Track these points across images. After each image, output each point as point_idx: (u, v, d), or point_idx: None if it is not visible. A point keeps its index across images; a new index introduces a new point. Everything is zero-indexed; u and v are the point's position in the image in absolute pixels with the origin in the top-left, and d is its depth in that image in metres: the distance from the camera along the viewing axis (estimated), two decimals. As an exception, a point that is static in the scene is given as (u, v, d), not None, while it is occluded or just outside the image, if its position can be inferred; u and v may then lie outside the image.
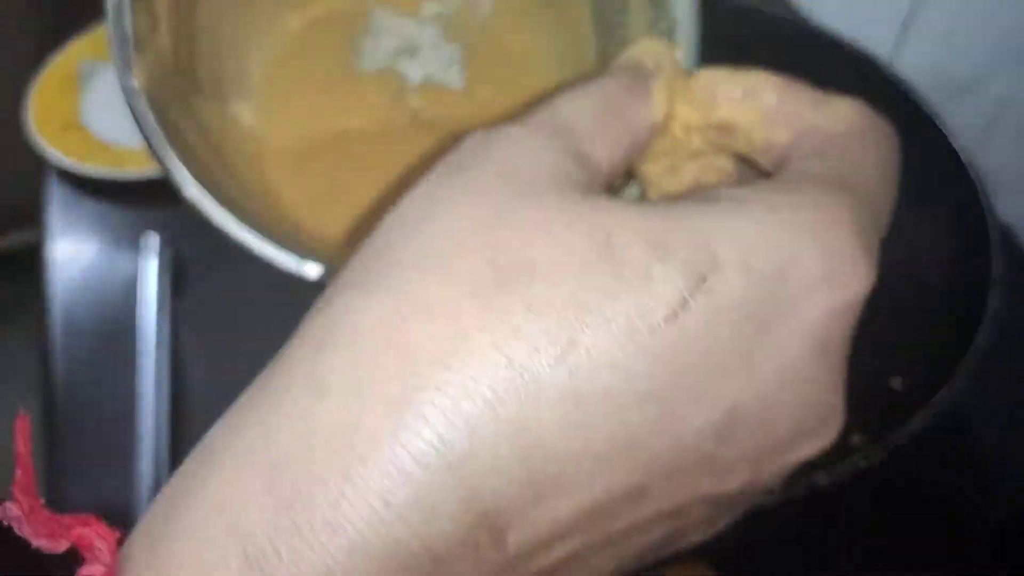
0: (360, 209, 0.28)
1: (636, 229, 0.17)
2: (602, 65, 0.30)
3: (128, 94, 0.24)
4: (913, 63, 0.62)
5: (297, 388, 0.17)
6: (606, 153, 0.20)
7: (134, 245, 0.62)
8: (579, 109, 0.20)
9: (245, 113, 0.29)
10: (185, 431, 0.53)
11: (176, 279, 0.60)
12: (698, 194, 0.19)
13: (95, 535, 0.17)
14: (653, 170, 0.25)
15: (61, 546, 0.17)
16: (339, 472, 0.15)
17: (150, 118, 0.24)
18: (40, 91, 0.71)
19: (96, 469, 0.53)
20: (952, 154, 0.46)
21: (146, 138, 0.24)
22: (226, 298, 0.59)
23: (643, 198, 0.25)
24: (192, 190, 0.24)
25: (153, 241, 0.60)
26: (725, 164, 0.24)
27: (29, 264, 0.68)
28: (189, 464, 0.18)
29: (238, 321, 0.58)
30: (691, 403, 0.16)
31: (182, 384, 0.55)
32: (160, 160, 0.24)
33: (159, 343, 0.55)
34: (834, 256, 0.17)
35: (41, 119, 0.68)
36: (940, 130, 0.47)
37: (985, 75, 0.56)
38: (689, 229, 0.17)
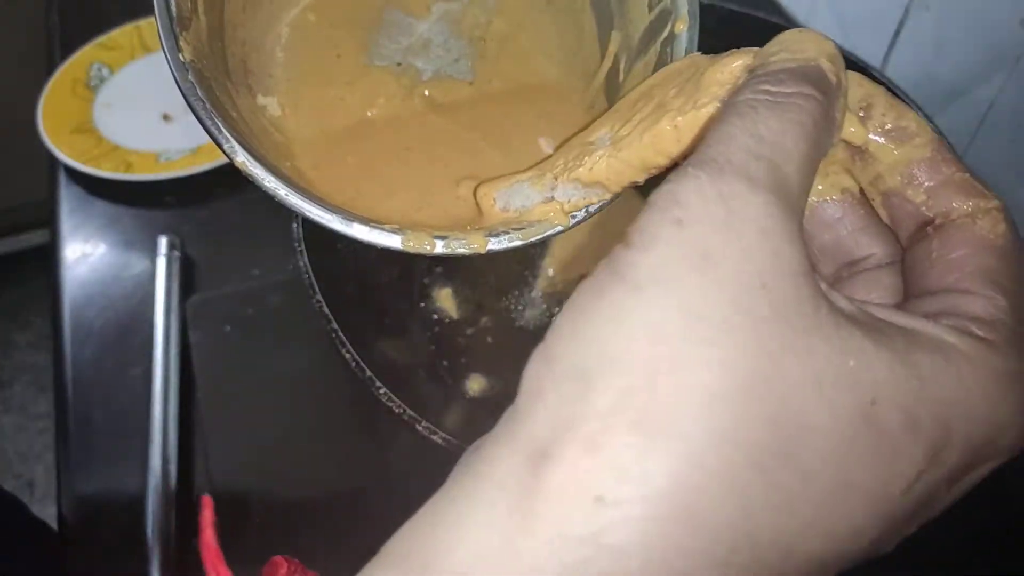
0: (389, 189, 0.30)
1: (896, 396, 0.17)
2: (603, 53, 0.32)
3: (177, 68, 0.25)
4: (904, 69, 0.63)
5: (581, 549, 0.16)
6: (806, 199, 0.19)
7: (144, 247, 0.64)
8: (788, 153, 0.18)
9: (270, 105, 0.30)
10: (194, 428, 0.54)
11: (185, 280, 0.61)
12: (921, 329, 0.19)
13: None
14: None
15: None
16: None
17: (198, 90, 0.25)
18: (51, 95, 0.72)
19: (106, 465, 0.54)
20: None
21: (194, 108, 0.25)
22: (234, 299, 0.60)
23: None
24: (241, 157, 0.25)
25: (162, 243, 0.61)
26: (850, 184, 0.23)
27: (39, 265, 0.69)
28: None
29: (245, 321, 0.59)
30: (888, 543, 0.18)
31: (190, 382, 0.56)
32: (209, 129, 0.25)
33: (168, 342, 0.56)
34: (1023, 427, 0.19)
35: (52, 122, 0.70)
36: (931, 134, 0.47)
37: (974, 80, 0.57)
38: (935, 400, 0.17)
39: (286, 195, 0.25)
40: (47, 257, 0.66)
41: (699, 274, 0.16)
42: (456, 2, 0.34)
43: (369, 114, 0.32)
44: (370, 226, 0.25)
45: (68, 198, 0.68)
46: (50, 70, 0.74)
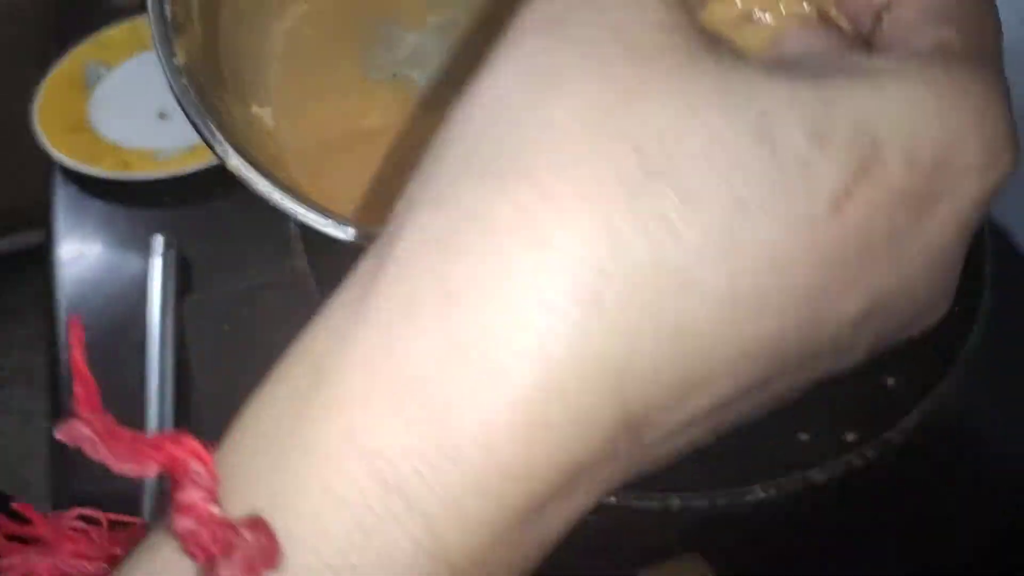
0: (384, 200, 0.30)
1: (792, 110, 0.15)
2: None
3: (171, 72, 0.25)
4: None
5: (425, 297, 0.15)
6: None
7: (140, 246, 0.63)
8: None
9: (265, 116, 0.30)
10: (191, 429, 0.53)
11: (181, 279, 0.60)
12: (839, 62, 0.17)
13: (190, 455, 0.14)
14: (721, 18, 0.20)
15: (150, 470, 0.15)
16: (484, 387, 0.14)
17: (191, 95, 0.25)
18: (47, 93, 0.72)
19: (102, 466, 0.53)
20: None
21: (187, 112, 0.25)
22: (231, 298, 0.60)
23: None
24: (234, 161, 0.25)
25: (158, 242, 0.61)
26: (806, 11, 0.21)
27: (35, 265, 0.68)
28: (293, 382, 0.16)
29: (243, 321, 0.59)
30: (841, 297, 0.16)
31: (187, 382, 0.56)
32: (202, 132, 0.25)
33: (164, 342, 0.56)
34: (991, 142, 0.16)
35: (48, 121, 0.69)
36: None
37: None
38: (849, 112, 0.15)
39: (280, 199, 0.25)
40: (41, 257, 0.65)
41: (543, 36, 0.16)
42: (449, 14, 0.33)
43: (364, 126, 0.31)
44: (366, 231, 0.25)
45: (64, 197, 0.68)
46: (46, 68, 0.74)
